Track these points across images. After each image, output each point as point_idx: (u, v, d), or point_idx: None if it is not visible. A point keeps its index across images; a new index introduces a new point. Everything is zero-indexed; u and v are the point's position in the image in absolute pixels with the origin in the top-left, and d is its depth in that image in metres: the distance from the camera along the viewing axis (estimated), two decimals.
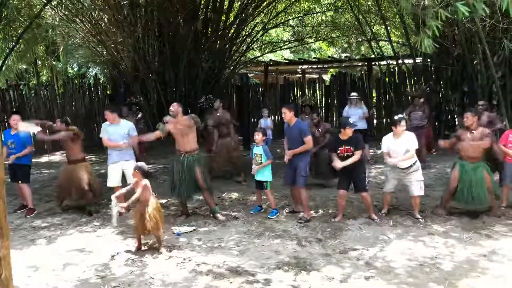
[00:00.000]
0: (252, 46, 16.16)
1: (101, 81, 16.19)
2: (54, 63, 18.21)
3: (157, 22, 12.62)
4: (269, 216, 6.59)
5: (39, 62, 18.00)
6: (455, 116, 11.75)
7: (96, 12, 12.57)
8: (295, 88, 15.95)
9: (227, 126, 8.86)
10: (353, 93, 10.51)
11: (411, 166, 6.19)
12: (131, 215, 6.48)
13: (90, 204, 7.00)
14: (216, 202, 7.00)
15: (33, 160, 7.61)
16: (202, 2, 13.32)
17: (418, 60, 12.55)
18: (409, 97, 10.11)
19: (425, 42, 5.11)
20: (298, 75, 20.89)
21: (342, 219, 6.28)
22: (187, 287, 4.42)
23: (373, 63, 15.98)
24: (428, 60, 11.98)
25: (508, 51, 9.35)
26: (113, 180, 6.90)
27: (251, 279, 4.51)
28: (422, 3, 5.74)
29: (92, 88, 14.69)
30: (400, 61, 13.17)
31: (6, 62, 12.55)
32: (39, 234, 6.11)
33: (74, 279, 4.68)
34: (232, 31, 14.06)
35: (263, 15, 15.19)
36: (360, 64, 17.99)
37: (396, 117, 6.36)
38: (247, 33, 15.00)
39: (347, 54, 19.11)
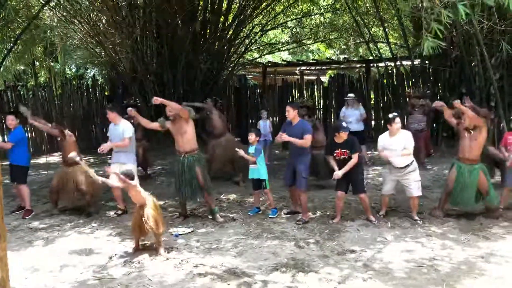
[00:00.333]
0: (251, 47, 16.16)
1: (99, 82, 16.19)
2: (52, 64, 18.19)
3: (156, 23, 12.61)
4: (269, 216, 6.62)
5: (37, 63, 17.98)
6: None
7: (95, 13, 12.56)
8: (294, 90, 15.95)
9: (218, 126, 8.89)
10: (350, 94, 10.51)
11: (407, 165, 6.20)
12: (129, 216, 6.51)
13: (89, 205, 6.99)
14: (215, 203, 7.00)
15: (31, 161, 7.57)
16: (201, 3, 13.32)
17: (416, 62, 12.57)
18: (407, 99, 10.09)
19: (426, 44, 5.12)
20: (296, 76, 20.90)
21: (340, 220, 6.29)
22: None
23: (371, 64, 15.98)
24: (426, 62, 11.99)
25: (505, 53, 9.36)
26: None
27: (249, 281, 4.51)
28: (421, 5, 5.76)
29: (90, 89, 14.67)
30: (398, 62, 13.19)
31: (4, 63, 12.54)
32: (36, 236, 6.10)
33: (71, 280, 4.67)
34: (230, 32, 14.06)
35: (261, 16, 15.19)
36: (358, 65, 17.99)
37: (390, 115, 6.35)
38: (245, 35, 15.00)
39: (345, 56, 19.12)
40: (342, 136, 6.12)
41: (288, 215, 6.71)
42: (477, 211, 6.37)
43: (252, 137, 6.69)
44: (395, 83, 13.39)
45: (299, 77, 20.21)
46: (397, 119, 6.21)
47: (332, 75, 16.43)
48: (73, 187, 6.89)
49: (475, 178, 6.11)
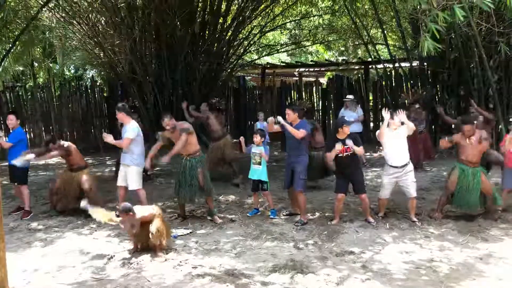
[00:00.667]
0: (250, 49, 16.15)
1: (98, 83, 16.17)
2: (51, 65, 18.18)
3: (155, 24, 12.60)
4: (270, 217, 6.63)
5: (36, 64, 17.97)
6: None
7: (93, 15, 12.55)
8: (292, 91, 15.97)
9: (216, 129, 8.92)
10: (349, 96, 10.54)
11: (406, 164, 6.23)
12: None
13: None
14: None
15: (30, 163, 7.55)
16: (200, 5, 13.33)
17: (415, 63, 12.59)
18: (406, 102, 10.11)
19: (426, 45, 5.13)
20: (295, 78, 20.91)
21: (339, 222, 6.30)
22: None
23: (370, 66, 16.01)
24: (425, 63, 12.01)
25: (504, 54, 9.39)
26: (118, 178, 6.94)
27: (247, 282, 4.51)
28: (419, 7, 5.78)
29: (89, 91, 14.67)
30: (396, 64, 13.21)
31: (2, 64, 12.54)
32: (35, 236, 6.09)
33: (70, 281, 4.67)
34: (229, 34, 14.05)
35: (260, 18, 15.19)
36: (357, 67, 18.01)
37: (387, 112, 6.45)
38: (244, 36, 14.99)
39: (344, 57, 19.14)
40: (345, 131, 6.14)
41: (287, 217, 6.71)
42: (476, 213, 6.37)
43: (257, 138, 6.72)
44: (393, 84, 13.41)
45: (297, 78, 20.22)
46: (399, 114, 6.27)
47: (331, 77, 16.44)
48: (77, 192, 6.87)
49: (479, 181, 6.16)
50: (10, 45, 12.10)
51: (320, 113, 15.13)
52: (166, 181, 9.13)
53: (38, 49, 16.03)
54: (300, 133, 6.24)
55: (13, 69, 15.80)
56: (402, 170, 6.22)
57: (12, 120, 7.11)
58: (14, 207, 7.38)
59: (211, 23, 13.42)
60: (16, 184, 7.12)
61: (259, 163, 6.69)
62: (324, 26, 16.29)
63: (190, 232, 6.09)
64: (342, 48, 19.08)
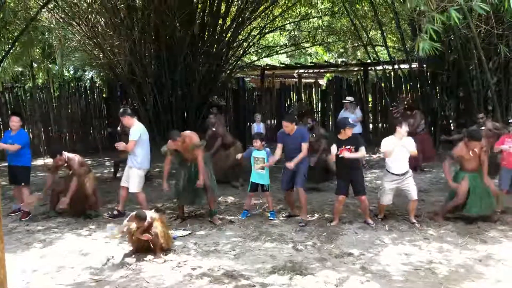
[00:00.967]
0: (249, 50, 16.17)
1: (97, 84, 16.17)
2: (50, 66, 18.17)
3: (154, 25, 12.61)
4: (270, 218, 6.63)
5: (35, 65, 17.95)
6: (451, 121, 11.80)
7: (93, 16, 12.55)
8: (292, 93, 15.98)
9: (226, 137, 8.94)
10: (348, 97, 10.54)
11: (407, 171, 6.24)
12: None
13: (90, 208, 6.96)
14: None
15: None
16: (199, 6, 13.34)
17: (414, 65, 12.61)
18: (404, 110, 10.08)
19: (422, 45, 5.15)
20: (294, 79, 20.93)
21: (338, 223, 6.29)
22: None
23: (369, 68, 16.04)
24: (424, 65, 12.03)
25: (503, 56, 9.41)
26: (123, 178, 6.96)
27: (246, 283, 4.50)
28: (418, 8, 5.79)
29: (88, 91, 14.66)
30: (396, 66, 13.23)
31: (2, 64, 12.53)
32: (34, 238, 6.07)
33: (69, 282, 4.66)
34: (229, 35, 14.06)
35: (259, 19, 15.20)
36: (356, 69, 18.04)
37: (400, 120, 6.45)
38: (243, 37, 15.01)
39: (343, 59, 19.17)
40: (347, 133, 6.14)
41: (286, 218, 6.71)
42: (475, 215, 6.37)
43: (257, 143, 6.70)
44: (393, 86, 13.42)
45: (297, 80, 20.24)
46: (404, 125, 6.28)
47: (330, 78, 16.47)
48: (81, 195, 6.85)
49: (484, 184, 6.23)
50: (10, 46, 12.09)
51: (319, 115, 15.14)
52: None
53: (38, 50, 16.03)
54: (306, 151, 6.39)
55: (12, 69, 15.79)
56: (403, 177, 6.24)
57: (16, 122, 7.08)
58: (13, 208, 7.36)
59: (210, 24, 13.43)
60: (22, 184, 7.08)
61: (263, 168, 6.66)
62: (323, 27, 16.31)
63: (189, 233, 6.08)
64: (342, 50, 19.11)
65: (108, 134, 13.81)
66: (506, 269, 4.76)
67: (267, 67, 18.62)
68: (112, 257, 5.27)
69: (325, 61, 19.24)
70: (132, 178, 6.71)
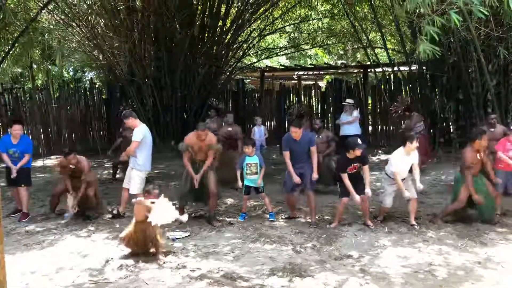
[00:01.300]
0: (249, 52, 16.19)
1: (96, 86, 16.17)
2: (49, 67, 18.17)
3: (154, 27, 12.63)
4: (270, 219, 6.64)
5: (35, 66, 17.95)
6: (450, 123, 11.80)
7: (93, 17, 12.57)
8: (291, 94, 15.99)
9: (236, 140, 8.95)
10: (348, 100, 10.54)
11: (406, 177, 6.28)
12: (127, 220, 6.49)
13: (90, 209, 6.95)
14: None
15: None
16: (199, 7, 13.36)
17: (414, 67, 12.61)
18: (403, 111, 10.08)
19: (422, 48, 5.15)
20: (294, 81, 20.94)
21: (337, 225, 6.29)
22: None
23: (368, 70, 16.04)
24: (424, 67, 12.03)
25: (503, 59, 9.41)
26: (125, 179, 6.98)
27: (245, 285, 4.50)
28: (417, 11, 5.80)
29: (88, 93, 14.66)
30: (395, 68, 13.23)
31: (1, 65, 12.53)
32: (33, 239, 6.06)
33: (68, 283, 4.65)
34: (228, 37, 14.08)
35: (259, 21, 15.24)
36: (355, 71, 18.05)
37: (411, 133, 6.45)
38: (243, 39, 15.03)
39: (343, 61, 19.18)
40: (356, 154, 6.12)
41: (286, 220, 6.71)
42: (474, 217, 6.38)
43: (249, 149, 6.72)
44: (392, 88, 13.43)
45: (296, 82, 20.25)
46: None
47: (330, 80, 16.47)
48: (83, 196, 6.84)
49: (486, 187, 6.25)
50: (9, 47, 12.09)
51: (319, 117, 15.14)
52: (164, 184, 9.11)
53: (37, 51, 16.01)
54: (315, 154, 6.47)
55: (12, 71, 15.78)
56: (405, 181, 6.27)
57: (19, 130, 7.09)
58: (12, 209, 7.36)
59: (210, 26, 13.45)
60: (22, 186, 7.07)
61: (255, 173, 6.70)
62: (323, 29, 16.34)
63: (189, 235, 6.08)
64: (341, 52, 19.13)
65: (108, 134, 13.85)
66: (505, 272, 4.76)
67: (267, 69, 18.63)
68: (111, 258, 5.26)
69: (325, 63, 19.26)
70: (133, 180, 6.72)
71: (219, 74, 14.64)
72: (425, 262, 5.02)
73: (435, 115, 11.82)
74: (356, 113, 10.33)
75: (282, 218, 6.77)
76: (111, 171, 9.95)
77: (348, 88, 14.28)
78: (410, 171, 6.32)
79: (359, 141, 6.29)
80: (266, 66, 19.14)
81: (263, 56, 17.77)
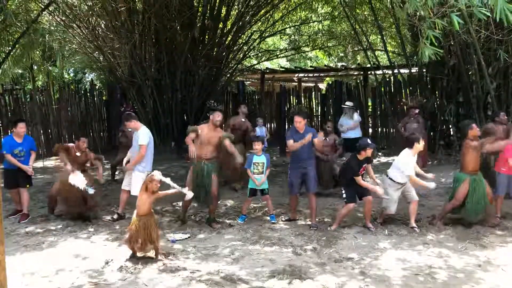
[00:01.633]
0: (249, 54, 16.21)
1: (97, 87, 16.16)
2: (50, 68, 18.17)
3: (154, 28, 12.64)
4: (271, 221, 6.64)
5: (35, 67, 17.96)
6: (450, 126, 11.81)
7: (94, 18, 12.58)
8: (291, 97, 16.00)
9: (244, 133, 8.93)
10: (347, 102, 10.51)
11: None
12: (126, 221, 6.49)
13: (89, 210, 6.95)
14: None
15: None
16: (200, 9, 13.37)
17: (414, 70, 12.63)
18: (405, 107, 10.14)
19: (426, 52, 5.16)
20: (294, 83, 20.96)
21: (337, 227, 6.29)
22: None
23: (369, 72, 16.05)
24: (424, 70, 12.05)
25: (503, 62, 9.43)
26: (123, 182, 7.00)
27: (245, 287, 4.49)
28: (418, 13, 5.81)
29: (88, 94, 14.67)
30: (395, 70, 13.25)
31: (2, 66, 12.53)
32: (33, 240, 6.06)
33: (67, 285, 4.65)
34: (229, 38, 14.10)
35: (260, 23, 15.26)
36: (356, 73, 18.07)
37: (417, 135, 6.62)
38: (244, 41, 15.05)
39: (343, 63, 19.20)
40: (368, 154, 6.18)
41: (286, 222, 6.70)
42: (475, 220, 6.37)
43: (258, 146, 6.75)
44: (392, 91, 13.44)
45: (297, 84, 20.27)
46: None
47: (330, 82, 16.49)
48: (79, 195, 6.84)
49: (485, 187, 6.23)
50: (10, 48, 12.10)
51: (319, 119, 15.15)
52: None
53: (38, 52, 16.03)
54: (319, 142, 6.58)
55: (12, 72, 15.76)
56: (407, 183, 6.28)
57: (24, 128, 7.12)
58: (12, 210, 7.35)
59: (211, 27, 13.46)
60: (27, 186, 7.09)
61: (262, 172, 6.70)
62: (323, 32, 16.36)
63: (189, 237, 6.08)
64: (342, 54, 19.14)
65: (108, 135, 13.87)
66: (505, 275, 4.76)
67: (267, 71, 18.64)
68: (111, 260, 5.25)
69: (325, 65, 19.29)
70: (134, 181, 6.72)
71: (220, 76, 14.65)
72: (425, 265, 5.02)
73: (435, 117, 11.83)
74: (357, 116, 10.31)
75: (282, 220, 6.77)
76: (110, 172, 9.94)
77: (348, 90, 14.28)
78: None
79: (369, 140, 6.33)
80: (267, 68, 19.16)
81: (263, 58, 17.79)
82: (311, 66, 19.36)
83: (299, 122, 6.42)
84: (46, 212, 7.21)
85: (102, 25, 12.90)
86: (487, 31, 8.24)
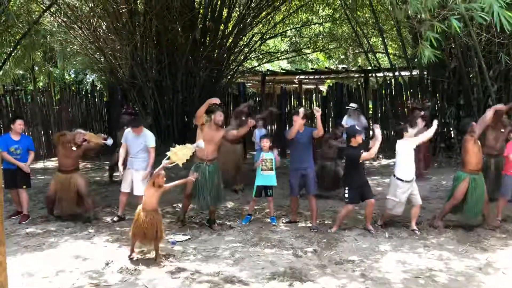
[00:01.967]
0: (250, 56, 16.21)
1: (98, 88, 16.18)
2: (51, 69, 18.20)
3: (156, 30, 12.65)
4: (272, 223, 6.65)
5: (36, 68, 17.98)
6: (451, 129, 11.80)
7: (95, 20, 12.59)
8: (292, 98, 15.99)
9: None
10: (352, 104, 10.41)
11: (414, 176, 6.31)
12: (127, 222, 6.49)
13: (88, 210, 6.95)
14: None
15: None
16: (201, 11, 13.38)
17: (415, 72, 12.62)
18: (408, 110, 10.09)
19: (426, 53, 5.17)
20: (295, 85, 20.95)
21: (338, 230, 6.28)
22: None
23: (369, 74, 16.04)
24: (425, 72, 12.05)
25: (504, 65, 9.43)
26: (123, 184, 6.98)
27: None
28: (418, 16, 5.82)
29: (89, 95, 14.67)
30: (396, 73, 13.24)
31: (3, 67, 12.54)
32: (33, 241, 6.06)
33: (67, 286, 4.65)
34: (230, 40, 14.10)
35: (261, 25, 15.26)
36: (357, 75, 18.06)
37: (403, 125, 6.75)
38: (245, 43, 15.04)
39: (344, 66, 19.20)
40: (358, 140, 6.19)
41: (286, 224, 6.70)
42: (475, 223, 6.37)
43: (267, 144, 6.79)
44: (393, 93, 13.44)
45: (297, 86, 20.26)
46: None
47: (331, 85, 16.48)
48: (73, 194, 6.84)
49: (483, 189, 6.25)
50: (11, 49, 12.11)
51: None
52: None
53: (39, 53, 16.06)
54: (321, 131, 6.41)
55: (13, 72, 15.79)
56: (412, 182, 6.26)
57: (22, 125, 7.11)
58: (13, 211, 7.35)
59: (212, 29, 13.47)
60: (24, 187, 7.07)
61: (271, 169, 6.73)
62: (324, 34, 16.36)
63: (189, 238, 6.08)
64: (342, 56, 19.15)
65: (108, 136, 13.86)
66: (506, 278, 4.75)
67: (268, 73, 18.64)
68: (111, 261, 5.25)
69: (326, 67, 19.28)
70: (140, 181, 6.74)
71: (220, 78, 14.65)
72: (425, 267, 5.02)
73: (436, 120, 11.81)
74: (364, 119, 10.20)
75: (282, 222, 6.76)
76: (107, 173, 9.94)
77: (349, 93, 14.28)
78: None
79: (357, 127, 6.39)
80: (267, 70, 19.16)
81: (264, 60, 17.78)
82: (312, 68, 19.34)
83: (295, 121, 6.43)
84: (46, 213, 7.20)
85: (104, 27, 12.91)
86: (488, 34, 8.24)
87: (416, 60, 11.26)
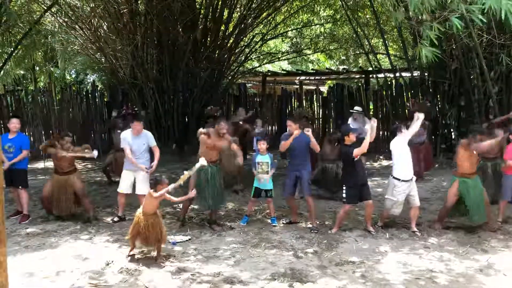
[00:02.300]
0: (251, 56, 16.21)
1: (98, 88, 16.17)
2: (52, 69, 18.19)
3: (156, 30, 12.65)
4: (273, 224, 6.65)
5: (37, 68, 17.97)
6: (452, 130, 11.79)
7: (96, 20, 12.60)
8: (293, 99, 16.00)
9: (243, 135, 8.97)
10: (357, 107, 10.30)
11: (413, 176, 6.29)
12: (127, 223, 6.49)
13: (87, 211, 6.95)
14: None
15: (28, 166, 7.50)
16: (202, 11, 13.38)
17: (416, 73, 12.61)
18: (410, 112, 10.03)
19: (424, 52, 5.16)
20: (295, 86, 20.94)
21: (338, 231, 6.28)
22: None
23: (370, 75, 16.04)
24: (425, 73, 12.04)
25: (505, 66, 9.42)
26: (122, 186, 6.96)
27: None
28: (419, 17, 5.82)
29: (90, 95, 14.68)
30: (397, 74, 13.24)
31: (4, 67, 12.55)
32: (33, 241, 6.06)
33: (67, 286, 4.65)
34: (231, 41, 14.10)
35: (262, 26, 15.26)
36: (357, 76, 18.05)
37: (397, 124, 6.71)
38: (245, 44, 15.04)
39: (345, 66, 19.19)
40: (352, 138, 6.17)
41: (287, 225, 6.70)
42: (475, 224, 6.36)
43: (264, 146, 6.77)
44: (394, 94, 13.44)
45: (298, 86, 20.26)
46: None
47: (332, 85, 16.49)
48: (70, 195, 6.83)
49: (482, 191, 6.23)
50: (12, 49, 12.12)
51: (321, 122, 15.14)
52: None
53: (40, 53, 16.06)
54: (317, 149, 6.60)
55: (14, 72, 15.78)
56: (410, 182, 6.24)
57: (18, 124, 7.09)
58: (13, 211, 7.35)
59: (212, 30, 13.47)
60: (20, 187, 7.06)
61: (267, 172, 6.70)
62: (325, 35, 16.35)
63: (189, 239, 6.07)
64: (343, 57, 19.13)
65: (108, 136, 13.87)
66: (506, 279, 4.75)
67: (269, 74, 18.64)
68: (112, 261, 5.26)
69: (327, 68, 19.27)
70: (144, 181, 6.78)
71: (221, 78, 14.65)
72: (426, 268, 5.01)
73: (436, 121, 11.81)
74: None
75: (283, 223, 6.76)
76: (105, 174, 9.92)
77: (350, 94, 14.27)
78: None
79: (350, 125, 6.41)
80: (268, 70, 19.16)
81: (265, 61, 17.78)
82: (312, 69, 19.33)
83: (289, 126, 6.49)
84: (46, 213, 7.20)
85: (105, 27, 12.92)
86: (489, 35, 8.24)
87: (416, 61, 11.26)
